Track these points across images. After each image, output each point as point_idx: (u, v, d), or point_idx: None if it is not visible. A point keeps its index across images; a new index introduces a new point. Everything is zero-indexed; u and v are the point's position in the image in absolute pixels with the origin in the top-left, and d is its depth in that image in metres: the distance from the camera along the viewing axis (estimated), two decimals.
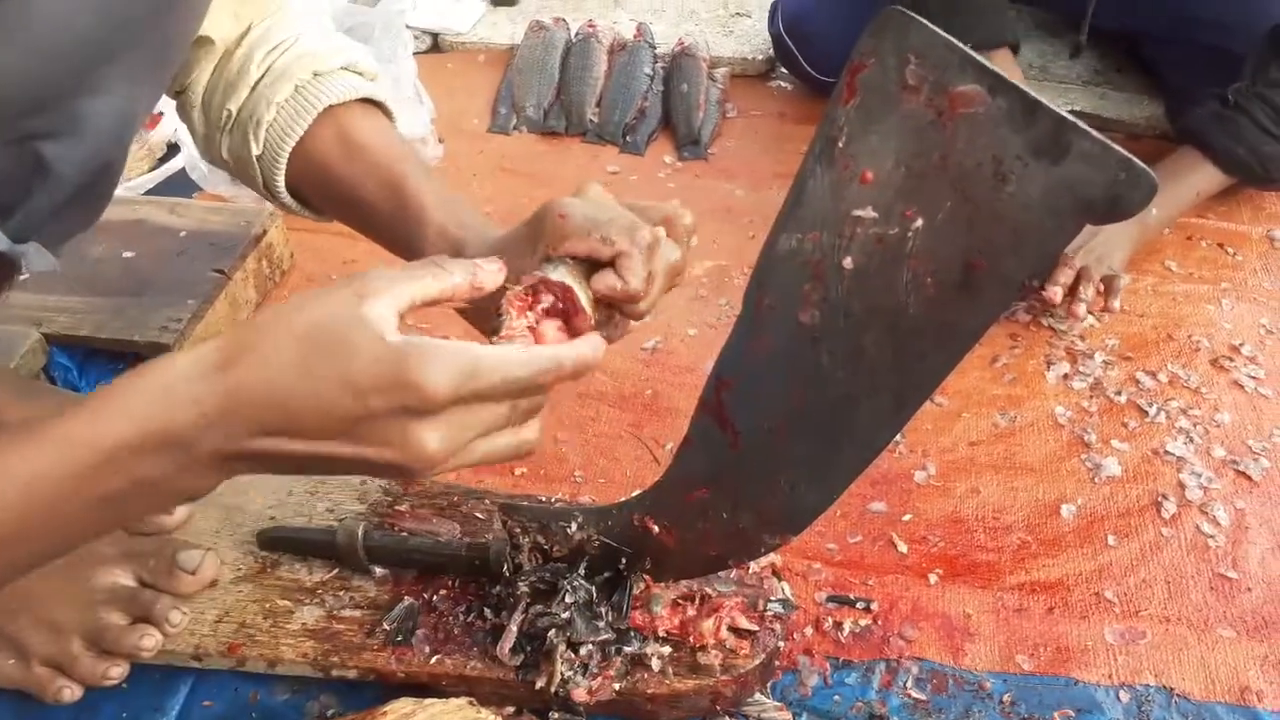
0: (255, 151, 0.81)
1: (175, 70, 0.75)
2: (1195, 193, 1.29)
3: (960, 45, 0.50)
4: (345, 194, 0.82)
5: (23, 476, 0.52)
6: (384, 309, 0.53)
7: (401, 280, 0.55)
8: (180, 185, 1.46)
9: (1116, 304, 1.22)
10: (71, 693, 0.82)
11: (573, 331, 0.63)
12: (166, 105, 1.38)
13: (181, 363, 0.54)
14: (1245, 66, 1.27)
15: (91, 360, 1.16)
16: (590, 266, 0.66)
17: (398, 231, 0.80)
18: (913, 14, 0.50)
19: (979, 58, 0.50)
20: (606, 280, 0.65)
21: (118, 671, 0.83)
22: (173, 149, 1.54)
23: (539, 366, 0.56)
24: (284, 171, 0.82)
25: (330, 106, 0.81)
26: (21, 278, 0.67)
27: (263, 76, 0.81)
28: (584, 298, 0.64)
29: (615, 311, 0.70)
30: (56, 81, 0.59)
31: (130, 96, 0.65)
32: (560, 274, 0.64)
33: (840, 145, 0.55)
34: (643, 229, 0.66)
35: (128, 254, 1.22)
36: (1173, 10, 1.45)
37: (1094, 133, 0.48)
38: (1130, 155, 0.47)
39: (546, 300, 0.62)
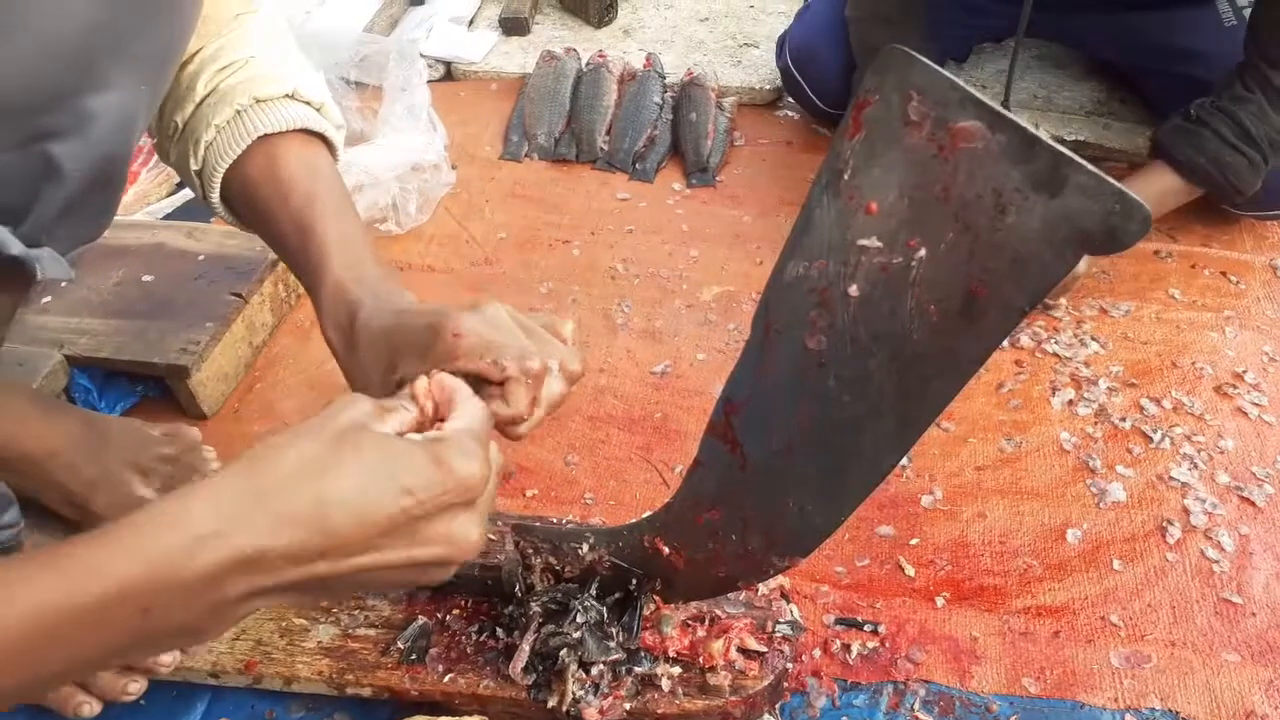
0: (194, 167, 0.84)
1: (175, 67, 0.77)
2: (1159, 201, 1.32)
3: (961, 83, 0.52)
4: (264, 223, 0.83)
5: (29, 603, 0.47)
6: (381, 423, 0.56)
7: (386, 406, 0.58)
8: (198, 210, 1.49)
9: (1061, 301, 1.32)
10: (90, 708, 0.83)
11: None
12: None
13: (199, 502, 0.50)
14: (1215, 88, 1.30)
15: (111, 382, 1.19)
16: (476, 382, 0.67)
17: (301, 273, 0.81)
18: (914, 53, 0.52)
19: (979, 95, 0.51)
20: (493, 404, 0.66)
21: (136, 687, 0.84)
22: None
23: (486, 411, 0.61)
24: (219, 189, 0.84)
25: (266, 134, 0.82)
26: (39, 285, 0.68)
27: (208, 95, 0.83)
28: None
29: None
30: (64, 78, 0.60)
31: (134, 92, 0.66)
32: None
33: (846, 177, 0.56)
34: (533, 359, 0.67)
35: (147, 278, 1.25)
36: (1146, 41, 1.48)
37: (1090, 166, 0.49)
38: (1124, 188, 0.49)
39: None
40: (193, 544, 0.49)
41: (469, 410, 0.60)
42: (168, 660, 0.84)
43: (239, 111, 0.82)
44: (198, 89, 0.83)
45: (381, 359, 0.71)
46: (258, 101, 0.82)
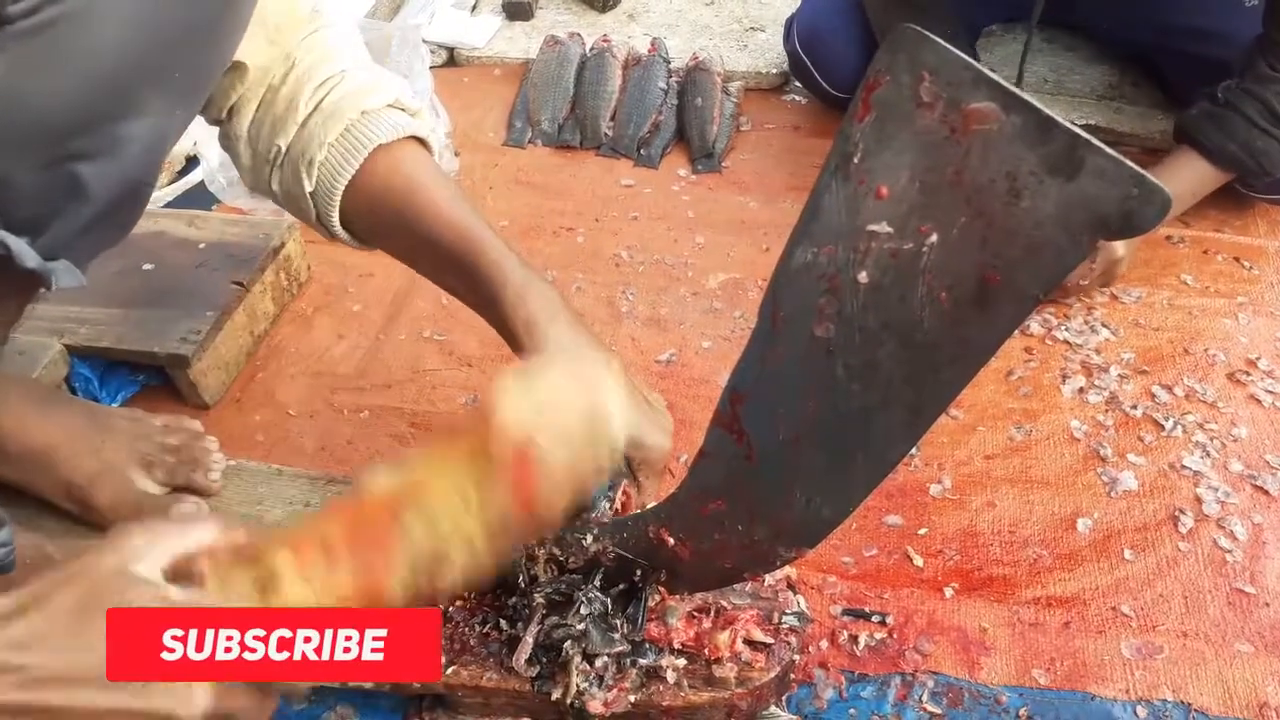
0: (308, 188, 0.83)
1: (209, 93, 0.76)
2: (1191, 191, 1.30)
3: (974, 63, 0.50)
4: (398, 232, 0.84)
5: None
6: (147, 565, 0.57)
7: (159, 541, 0.59)
8: (199, 198, 1.48)
9: (1108, 291, 1.30)
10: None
11: None
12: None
13: None
14: (1234, 67, 1.28)
15: (112, 371, 1.18)
16: None
17: (469, 281, 0.82)
18: (927, 32, 0.50)
19: (993, 75, 0.50)
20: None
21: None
22: (192, 162, 1.55)
23: None
24: (338, 207, 0.83)
25: (380, 145, 0.82)
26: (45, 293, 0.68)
27: (311, 114, 0.82)
28: None
29: None
30: (100, 104, 0.60)
31: (167, 118, 0.66)
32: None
33: (856, 161, 0.55)
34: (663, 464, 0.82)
35: (148, 266, 1.24)
36: (1165, 22, 1.46)
37: (1107, 149, 0.48)
38: (1143, 171, 0.47)
39: None
40: None
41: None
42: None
43: (349, 126, 0.82)
44: (300, 109, 0.82)
45: None
46: (364, 114, 0.82)
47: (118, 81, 0.60)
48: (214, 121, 0.87)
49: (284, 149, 0.83)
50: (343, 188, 0.82)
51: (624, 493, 0.79)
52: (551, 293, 0.81)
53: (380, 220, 0.84)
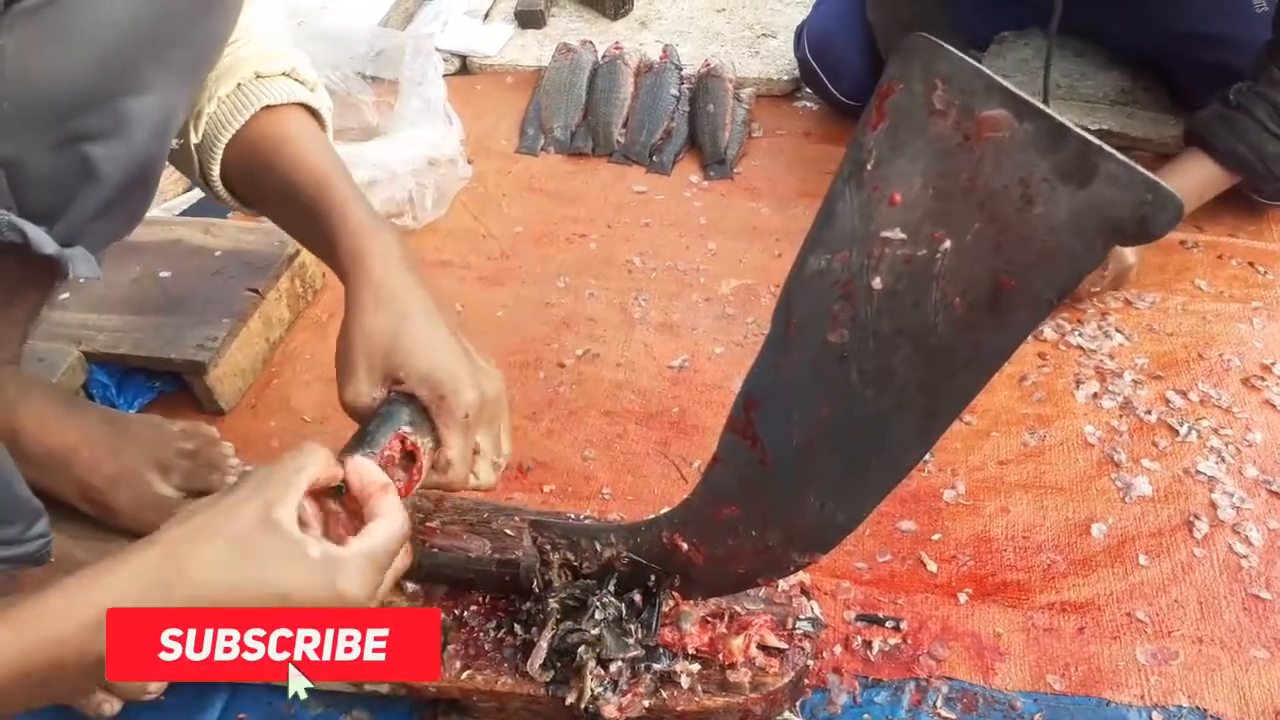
0: (194, 140, 0.83)
1: (213, 69, 0.77)
2: (1199, 192, 1.30)
3: (986, 71, 0.50)
4: (271, 184, 0.83)
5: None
6: (287, 512, 0.61)
7: (294, 482, 0.63)
8: (214, 206, 1.48)
9: (1122, 296, 1.29)
10: (110, 706, 0.83)
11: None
12: None
13: (106, 593, 0.58)
14: (1245, 72, 1.27)
15: (129, 378, 1.19)
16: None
17: (318, 226, 0.81)
18: (939, 40, 0.51)
19: (1005, 83, 0.50)
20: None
21: (155, 685, 0.84)
22: None
23: (401, 533, 0.66)
24: (219, 161, 0.83)
25: (268, 106, 0.82)
26: (66, 288, 0.68)
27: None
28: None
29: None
30: (105, 80, 0.60)
31: (173, 94, 0.66)
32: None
33: (869, 168, 0.55)
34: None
35: (164, 274, 1.25)
36: (1176, 29, 1.46)
37: (1120, 156, 0.48)
38: (1156, 178, 0.48)
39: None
40: (94, 634, 0.56)
41: (381, 528, 0.64)
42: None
43: (240, 85, 0.82)
44: None
45: (378, 361, 0.74)
46: (258, 76, 0.83)
47: (123, 58, 0.60)
48: None
49: None
50: (225, 141, 0.82)
51: (408, 439, 0.72)
52: (390, 237, 0.79)
53: (253, 174, 0.83)
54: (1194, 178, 1.28)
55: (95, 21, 0.58)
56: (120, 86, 0.61)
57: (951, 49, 0.50)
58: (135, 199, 0.71)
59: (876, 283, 0.58)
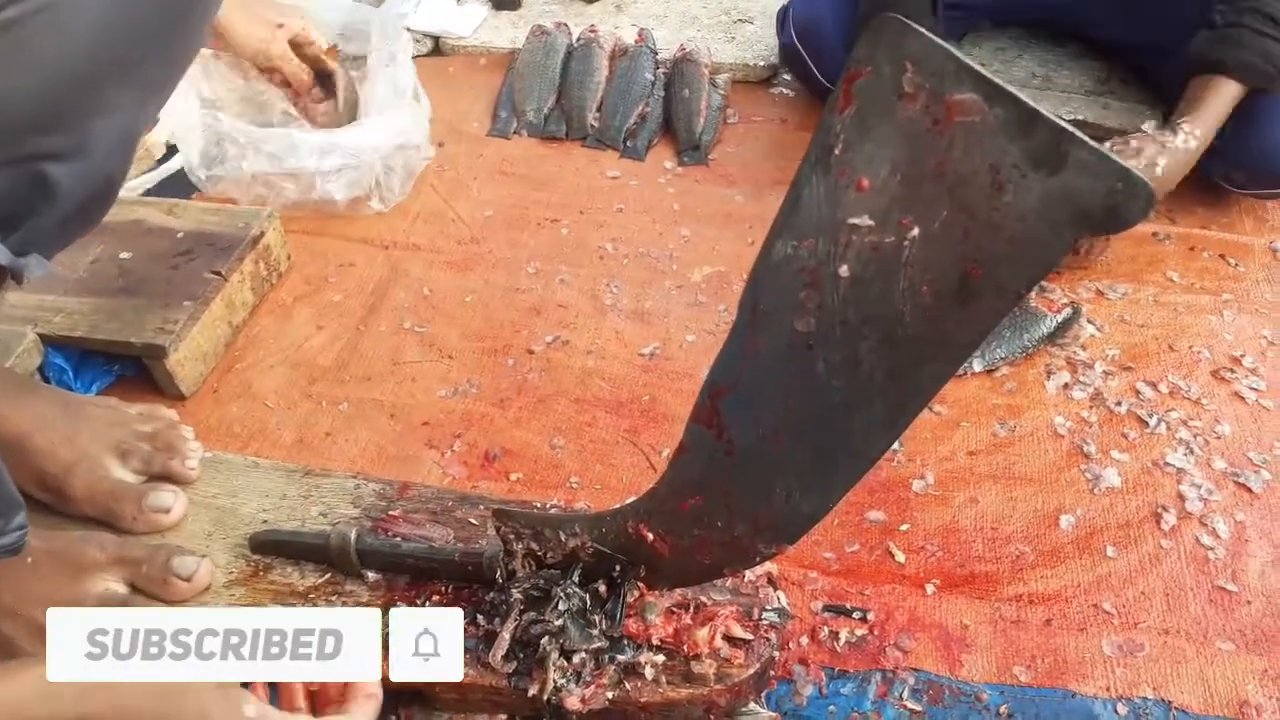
0: None
1: (179, 83, 0.75)
2: (1219, 117, 1.29)
3: (958, 54, 0.49)
4: None
5: None
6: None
7: None
8: (178, 186, 1.46)
9: (1094, 287, 1.29)
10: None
11: None
12: (165, 108, 1.37)
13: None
14: None
15: (87, 361, 1.16)
16: None
17: None
18: (909, 21, 0.49)
19: (977, 66, 0.49)
20: None
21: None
22: (171, 150, 1.53)
23: None
24: None
25: None
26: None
27: None
28: None
29: None
30: (71, 102, 0.58)
31: (138, 111, 0.64)
32: None
33: (836, 153, 0.54)
34: None
35: (124, 255, 1.22)
36: (1164, 20, 1.45)
37: (1092, 143, 0.47)
38: (1128, 166, 0.47)
39: None
40: None
41: None
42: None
43: None
44: None
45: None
46: None
47: (86, 82, 0.58)
48: None
49: None
50: None
51: None
52: None
53: None
54: (1212, 101, 1.27)
55: (54, 45, 0.56)
56: (82, 108, 0.59)
57: (922, 30, 0.49)
58: (94, 210, 0.69)
59: (844, 270, 0.57)
